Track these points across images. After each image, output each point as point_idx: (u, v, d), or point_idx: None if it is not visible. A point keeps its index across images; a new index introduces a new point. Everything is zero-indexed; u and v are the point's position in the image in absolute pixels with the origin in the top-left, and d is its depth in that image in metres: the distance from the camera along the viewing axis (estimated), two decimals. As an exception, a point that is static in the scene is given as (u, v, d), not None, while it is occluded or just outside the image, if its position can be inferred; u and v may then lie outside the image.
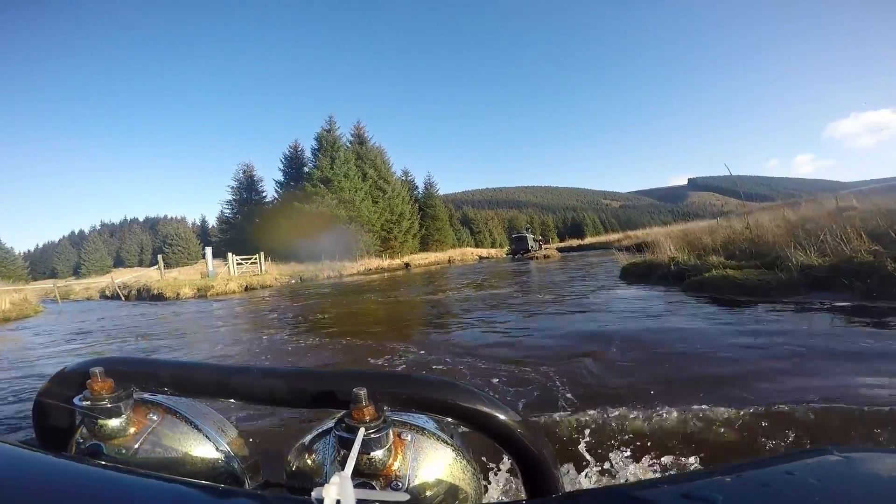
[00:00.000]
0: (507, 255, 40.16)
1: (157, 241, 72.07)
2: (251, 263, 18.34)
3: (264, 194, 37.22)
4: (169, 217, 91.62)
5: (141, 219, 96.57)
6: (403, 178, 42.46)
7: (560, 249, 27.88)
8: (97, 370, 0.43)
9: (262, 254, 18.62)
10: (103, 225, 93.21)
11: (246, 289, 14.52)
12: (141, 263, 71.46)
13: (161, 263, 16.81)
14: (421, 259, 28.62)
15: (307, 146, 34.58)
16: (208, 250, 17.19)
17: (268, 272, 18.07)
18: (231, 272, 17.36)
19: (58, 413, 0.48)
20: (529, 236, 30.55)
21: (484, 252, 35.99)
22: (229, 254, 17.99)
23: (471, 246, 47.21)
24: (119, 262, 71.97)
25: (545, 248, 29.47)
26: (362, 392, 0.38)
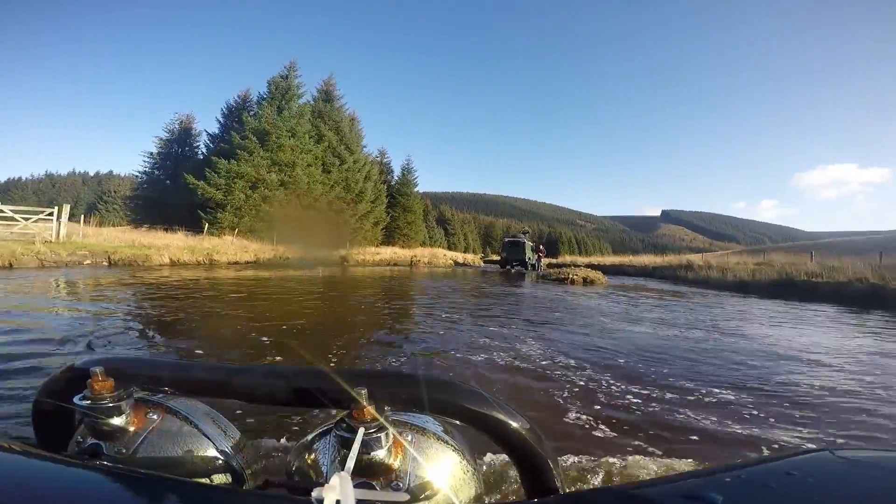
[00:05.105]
0: (484, 262, 32.91)
1: (95, 196, 63.57)
2: (35, 222, 10.84)
3: (197, 147, 29.90)
4: (120, 174, 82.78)
5: (92, 173, 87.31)
6: (379, 158, 35.44)
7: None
8: (98, 370, 0.42)
9: (64, 207, 11.19)
10: (48, 175, 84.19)
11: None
12: (72, 218, 62.50)
13: None
14: (370, 255, 21.18)
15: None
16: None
17: (73, 242, 10.62)
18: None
19: (58, 412, 0.47)
20: (528, 244, 22.42)
21: (459, 257, 28.60)
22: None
23: (443, 247, 40.01)
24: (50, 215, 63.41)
25: (545, 262, 22.19)
26: (363, 392, 0.38)
